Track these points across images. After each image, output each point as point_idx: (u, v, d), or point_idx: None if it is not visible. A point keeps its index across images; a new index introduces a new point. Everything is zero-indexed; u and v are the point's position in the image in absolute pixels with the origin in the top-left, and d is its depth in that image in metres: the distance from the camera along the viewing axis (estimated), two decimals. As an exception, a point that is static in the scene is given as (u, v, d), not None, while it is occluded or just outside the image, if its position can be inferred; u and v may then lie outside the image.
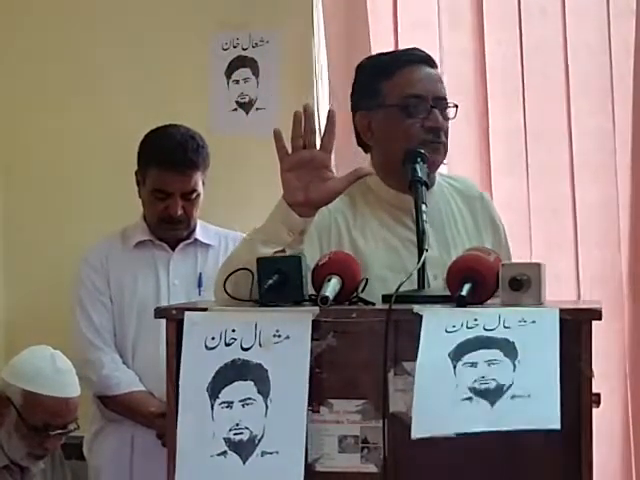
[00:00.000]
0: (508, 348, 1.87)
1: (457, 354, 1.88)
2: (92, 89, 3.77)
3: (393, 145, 2.45)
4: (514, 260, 2.47)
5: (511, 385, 1.84)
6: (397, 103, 2.44)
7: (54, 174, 3.81)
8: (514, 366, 1.86)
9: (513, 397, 1.83)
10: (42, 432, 2.84)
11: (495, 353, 1.87)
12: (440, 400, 1.86)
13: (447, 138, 2.48)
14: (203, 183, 3.23)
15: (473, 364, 1.87)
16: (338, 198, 2.37)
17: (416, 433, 1.85)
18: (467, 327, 1.90)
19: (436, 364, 1.88)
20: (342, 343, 2.01)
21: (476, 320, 1.90)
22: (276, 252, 2.14)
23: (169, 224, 3.22)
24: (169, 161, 3.16)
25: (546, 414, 1.80)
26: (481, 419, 1.83)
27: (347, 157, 3.61)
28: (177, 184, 3.17)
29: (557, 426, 1.78)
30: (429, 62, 2.51)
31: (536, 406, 1.81)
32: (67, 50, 3.79)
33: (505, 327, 1.89)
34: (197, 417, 1.99)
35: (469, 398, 1.85)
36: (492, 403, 1.84)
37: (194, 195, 3.21)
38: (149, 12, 3.76)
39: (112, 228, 3.41)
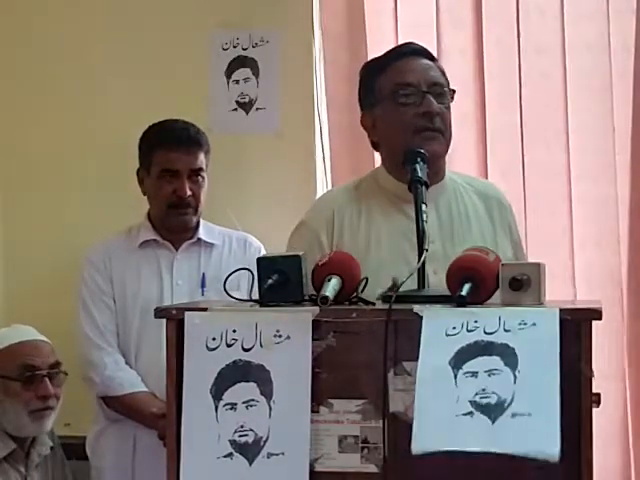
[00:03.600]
0: (508, 355, 1.87)
1: (457, 361, 1.89)
2: (92, 89, 3.77)
3: (393, 138, 2.48)
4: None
5: (512, 401, 1.84)
6: (389, 96, 2.46)
7: (54, 173, 3.81)
8: (514, 377, 1.86)
9: (514, 415, 1.84)
10: (29, 380, 2.86)
11: (495, 361, 1.87)
12: (441, 414, 1.86)
13: (447, 126, 2.47)
14: (206, 172, 3.26)
15: (474, 374, 1.87)
16: (346, 191, 2.54)
17: (416, 448, 1.86)
18: (467, 330, 1.90)
19: (437, 372, 1.88)
20: (342, 343, 2.02)
21: (476, 322, 1.91)
22: None
23: (178, 208, 3.23)
24: (175, 140, 3.22)
25: (546, 443, 1.81)
26: (481, 437, 1.84)
27: (346, 157, 3.62)
28: (184, 162, 3.22)
29: (555, 458, 1.80)
30: (423, 54, 2.52)
31: (536, 430, 1.82)
32: (67, 50, 3.78)
33: (505, 330, 1.89)
34: (202, 419, 2.00)
35: (470, 413, 1.86)
36: (493, 420, 1.85)
37: (200, 177, 3.24)
38: (149, 12, 3.76)
39: (112, 227, 3.41)
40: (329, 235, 2.53)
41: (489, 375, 1.87)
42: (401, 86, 2.44)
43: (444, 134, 2.46)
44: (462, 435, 1.85)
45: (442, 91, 2.47)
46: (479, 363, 1.88)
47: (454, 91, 2.51)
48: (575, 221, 3.45)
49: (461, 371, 1.88)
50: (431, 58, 2.54)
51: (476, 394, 1.86)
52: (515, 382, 1.86)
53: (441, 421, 1.86)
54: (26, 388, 2.87)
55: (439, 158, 2.45)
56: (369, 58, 3.49)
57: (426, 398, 1.88)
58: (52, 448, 2.99)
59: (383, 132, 2.52)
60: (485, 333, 1.90)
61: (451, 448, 1.85)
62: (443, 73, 2.53)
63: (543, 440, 1.81)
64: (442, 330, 1.91)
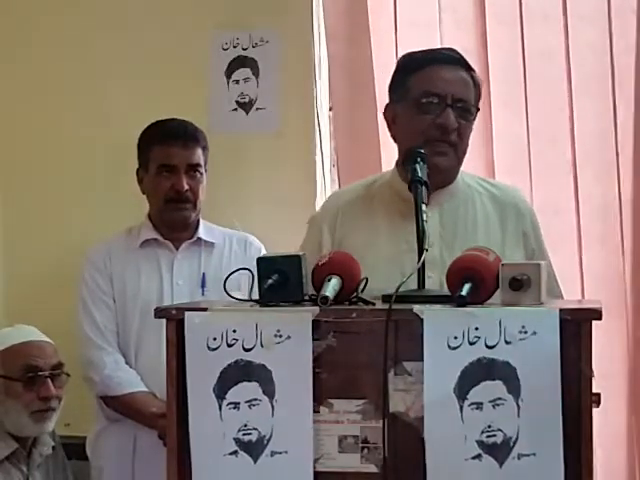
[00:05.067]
0: (511, 379, 1.90)
1: (462, 389, 1.91)
2: (92, 89, 3.77)
3: (405, 140, 2.51)
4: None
5: (517, 439, 1.89)
6: (414, 98, 2.49)
7: (54, 173, 3.81)
8: (518, 407, 1.90)
9: (520, 457, 1.89)
10: (30, 381, 2.86)
11: (498, 387, 1.91)
12: (451, 458, 1.91)
13: (462, 141, 2.50)
14: (205, 169, 3.27)
15: (479, 406, 1.91)
16: (356, 189, 2.60)
17: None
18: (469, 342, 1.91)
19: (443, 404, 1.91)
20: (342, 343, 2.01)
21: (477, 329, 1.91)
22: None
23: (177, 203, 3.23)
24: (172, 136, 3.24)
25: None
26: None
27: (347, 156, 3.62)
28: (181, 157, 3.22)
29: None
30: (460, 63, 2.53)
31: (542, 474, 1.88)
32: (67, 50, 3.79)
33: (506, 342, 1.90)
34: (207, 418, 2.01)
35: (478, 456, 1.90)
36: (500, 463, 1.90)
37: (198, 173, 3.25)
38: (149, 12, 3.76)
39: (112, 227, 3.41)
40: (332, 232, 2.56)
41: (494, 406, 1.91)
42: (427, 95, 2.47)
43: (457, 150, 2.50)
44: None
45: (466, 107, 2.50)
46: (483, 391, 1.91)
47: (478, 109, 2.54)
48: (580, 221, 3.45)
49: (466, 402, 1.91)
50: (467, 68, 2.55)
51: (482, 432, 1.91)
52: (519, 415, 1.90)
53: (452, 467, 1.91)
54: (28, 389, 2.87)
55: (444, 172, 2.48)
56: (373, 57, 3.51)
57: (436, 439, 1.92)
58: (54, 448, 2.99)
59: (400, 129, 2.55)
60: (487, 347, 1.91)
61: None
62: (477, 86, 2.55)
63: None
64: (444, 340, 1.93)
